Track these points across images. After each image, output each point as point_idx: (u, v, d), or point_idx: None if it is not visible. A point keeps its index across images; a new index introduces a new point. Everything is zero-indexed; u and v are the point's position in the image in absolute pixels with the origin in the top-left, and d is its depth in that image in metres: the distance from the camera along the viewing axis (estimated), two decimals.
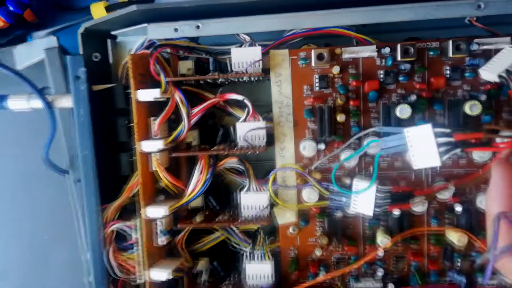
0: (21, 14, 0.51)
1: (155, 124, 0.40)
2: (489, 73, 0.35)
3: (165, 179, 0.40)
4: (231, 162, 0.42)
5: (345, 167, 0.40)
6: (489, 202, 0.29)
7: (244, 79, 0.41)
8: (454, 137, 0.23)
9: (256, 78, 0.42)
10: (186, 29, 0.40)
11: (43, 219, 0.58)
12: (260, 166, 0.46)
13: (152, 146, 0.39)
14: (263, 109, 0.44)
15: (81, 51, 0.44)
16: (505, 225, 0.26)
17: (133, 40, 0.44)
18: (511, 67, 0.34)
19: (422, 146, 0.24)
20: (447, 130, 0.24)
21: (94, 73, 0.43)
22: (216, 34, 0.40)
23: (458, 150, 0.26)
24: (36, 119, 0.46)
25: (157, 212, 0.40)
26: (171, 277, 0.40)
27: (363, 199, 0.36)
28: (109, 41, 0.46)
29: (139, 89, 0.39)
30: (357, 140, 0.40)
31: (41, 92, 0.42)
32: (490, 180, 0.30)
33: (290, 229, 0.42)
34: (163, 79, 0.39)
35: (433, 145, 0.24)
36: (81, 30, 0.43)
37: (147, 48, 0.42)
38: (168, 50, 0.42)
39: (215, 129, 0.44)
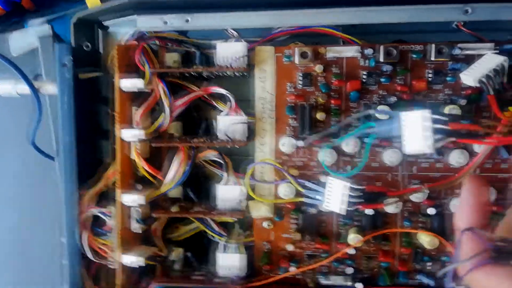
0: (18, 2, 0.51)
1: (137, 114, 0.41)
2: (470, 78, 0.35)
3: (143, 168, 0.41)
4: (211, 154, 0.42)
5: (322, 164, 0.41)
6: (457, 217, 0.30)
7: (229, 74, 0.42)
8: (449, 126, 0.23)
9: (241, 73, 0.42)
10: (175, 22, 0.41)
11: (30, 203, 0.59)
12: (241, 160, 0.47)
13: (132, 135, 0.40)
14: (249, 105, 0.44)
15: (72, 40, 0.45)
16: (471, 239, 0.27)
17: (124, 31, 0.45)
18: (491, 72, 0.34)
19: (417, 131, 0.24)
20: (444, 118, 0.24)
21: (84, 62, 0.43)
22: (205, 28, 0.41)
23: (451, 139, 0.26)
24: (24, 104, 0.46)
25: (134, 200, 0.40)
26: (143, 264, 0.40)
27: (336, 197, 0.37)
28: (100, 31, 0.46)
29: (123, 79, 0.40)
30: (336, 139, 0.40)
31: (28, 78, 0.43)
32: (461, 195, 0.30)
33: (265, 224, 0.42)
34: (147, 70, 0.40)
35: (428, 131, 0.24)
36: (73, 20, 0.43)
37: (137, 39, 0.42)
38: (157, 42, 0.43)
39: (199, 122, 0.45)
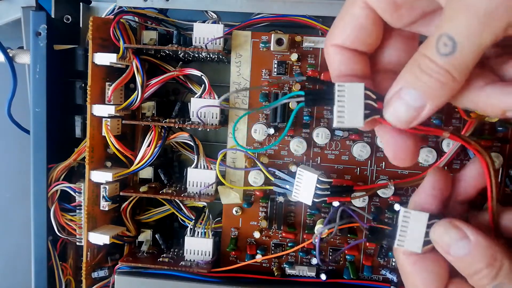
0: None
1: (110, 89, 0.40)
2: None
3: (113, 145, 0.40)
4: (182, 136, 0.42)
5: (294, 154, 0.41)
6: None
7: (205, 56, 0.41)
8: (377, 105, 0.23)
9: (219, 58, 0.42)
10: (155, 0, 0.41)
11: (6, 177, 0.58)
12: (215, 147, 0.47)
13: (103, 110, 0.39)
14: (227, 91, 0.44)
15: (52, 12, 0.45)
16: None
17: (107, 7, 0.45)
18: None
19: (350, 103, 0.24)
20: (374, 96, 0.24)
21: (64, 34, 0.43)
22: (185, 8, 0.41)
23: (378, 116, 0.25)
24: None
25: (102, 177, 0.40)
26: (108, 242, 0.40)
27: (304, 188, 0.37)
28: (81, 5, 0.46)
29: (97, 53, 0.39)
30: (308, 129, 0.40)
31: (2, 45, 0.42)
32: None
33: (234, 210, 0.42)
34: (122, 45, 0.39)
35: (361, 105, 0.24)
36: None
37: (115, 14, 0.42)
38: (137, 19, 0.43)
39: (175, 104, 0.44)
